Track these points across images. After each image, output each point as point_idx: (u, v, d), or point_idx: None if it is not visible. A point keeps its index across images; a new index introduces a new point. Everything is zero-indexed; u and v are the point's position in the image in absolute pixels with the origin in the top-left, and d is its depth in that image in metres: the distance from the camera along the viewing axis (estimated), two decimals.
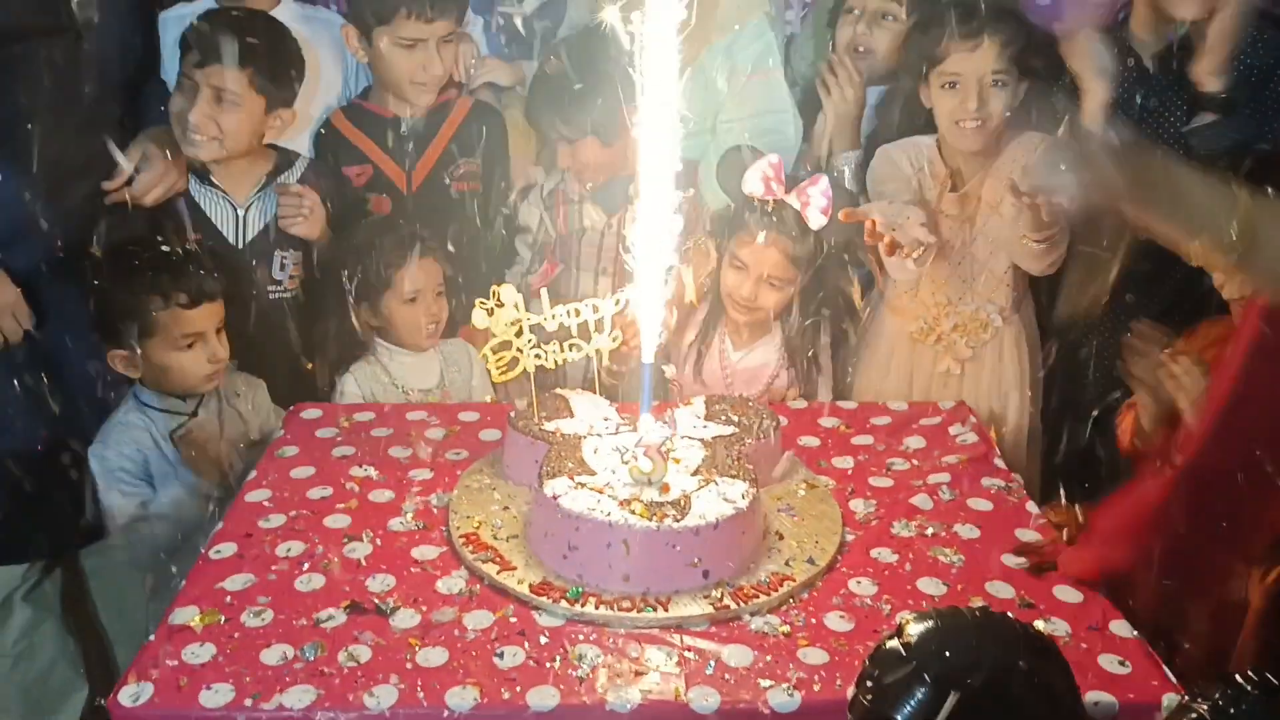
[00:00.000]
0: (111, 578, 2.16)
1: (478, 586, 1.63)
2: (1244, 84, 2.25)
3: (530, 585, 1.60)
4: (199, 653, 1.49)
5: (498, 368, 1.88)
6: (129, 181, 2.28)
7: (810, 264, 2.26)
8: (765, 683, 1.44)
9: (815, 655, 1.49)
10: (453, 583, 1.64)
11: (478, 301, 1.84)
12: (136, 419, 2.10)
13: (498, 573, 1.63)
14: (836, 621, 1.57)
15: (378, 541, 1.75)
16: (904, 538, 1.78)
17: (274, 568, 1.68)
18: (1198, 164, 1.60)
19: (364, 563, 1.69)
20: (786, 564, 1.66)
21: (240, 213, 2.42)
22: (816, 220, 2.20)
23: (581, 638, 1.52)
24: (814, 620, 1.57)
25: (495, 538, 1.72)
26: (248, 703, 1.40)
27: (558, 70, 2.42)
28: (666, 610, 1.55)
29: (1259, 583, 1.99)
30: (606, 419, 1.88)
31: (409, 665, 1.46)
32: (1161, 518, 1.54)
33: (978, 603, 1.60)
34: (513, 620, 1.56)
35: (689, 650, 1.50)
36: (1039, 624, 1.53)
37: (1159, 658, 1.51)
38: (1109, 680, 1.46)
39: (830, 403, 2.31)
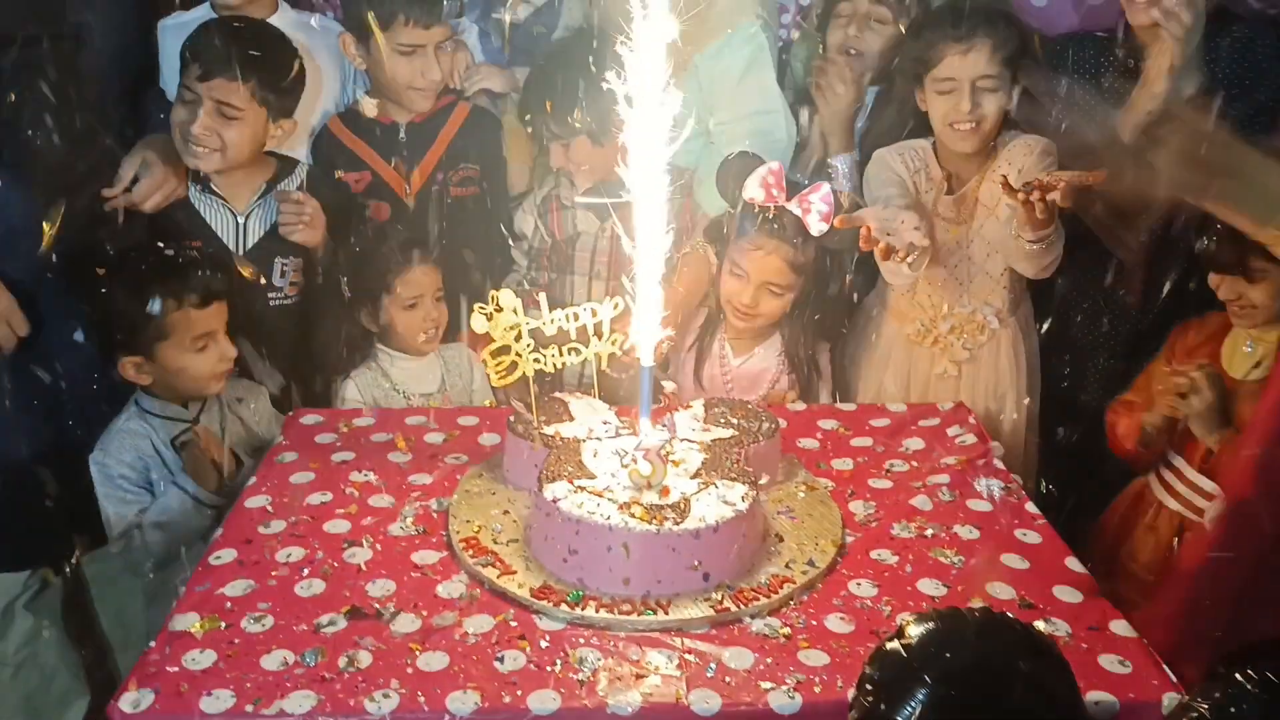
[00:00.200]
0: (112, 585, 2.16)
1: (478, 591, 1.63)
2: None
3: (531, 589, 1.60)
4: (199, 659, 1.49)
5: (497, 372, 1.88)
6: (129, 188, 2.29)
7: (811, 271, 2.26)
8: (766, 685, 1.44)
9: (816, 657, 1.49)
10: (453, 587, 1.64)
11: (476, 306, 1.84)
12: (137, 426, 2.10)
13: (498, 577, 1.63)
14: (837, 623, 1.57)
15: (378, 546, 1.75)
16: (904, 539, 1.78)
17: (274, 573, 1.68)
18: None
19: (364, 568, 1.69)
20: (786, 566, 1.67)
21: (240, 220, 2.42)
22: (818, 227, 2.19)
23: (582, 641, 1.52)
24: (814, 622, 1.57)
25: (495, 542, 1.72)
26: (249, 709, 1.40)
27: (549, 70, 2.43)
28: (667, 613, 1.55)
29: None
30: (606, 422, 1.89)
31: (409, 670, 1.46)
32: None
33: (978, 604, 1.60)
34: (513, 624, 1.56)
35: (690, 653, 1.50)
36: (1039, 624, 1.53)
37: (1159, 658, 1.51)
38: (1110, 680, 1.46)
39: (829, 404, 2.31)
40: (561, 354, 1.91)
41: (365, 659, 1.48)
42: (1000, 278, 2.37)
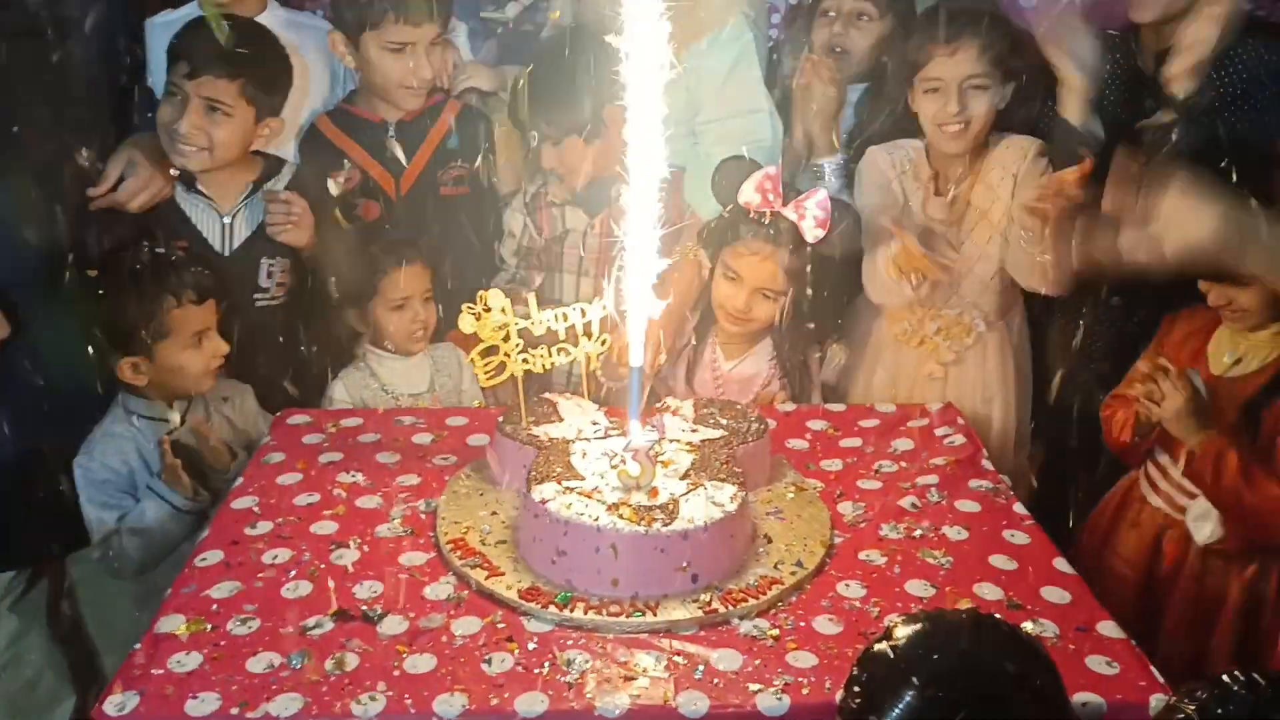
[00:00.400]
0: (98, 586, 2.15)
1: (466, 592, 1.63)
2: (1218, 93, 2.25)
3: (519, 591, 1.60)
4: (185, 661, 1.48)
5: (485, 372, 1.88)
6: (114, 188, 2.27)
7: (804, 276, 2.25)
8: (754, 686, 1.44)
9: (804, 659, 1.49)
10: (440, 589, 1.63)
11: (464, 306, 1.83)
12: (123, 430, 2.08)
13: (486, 578, 1.63)
14: (825, 624, 1.57)
15: (365, 548, 1.74)
16: (892, 540, 1.78)
17: (260, 575, 1.67)
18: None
19: (351, 569, 1.68)
20: (775, 567, 1.66)
21: (226, 221, 2.41)
22: (813, 233, 2.19)
23: (570, 643, 1.52)
24: (803, 623, 1.57)
25: (483, 543, 1.71)
26: (234, 711, 1.39)
27: (539, 70, 2.42)
28: (655, 614, 1.55)
29: (1237, 577, 2.02)
30: (595, 423, 1.88)
31: (396, 672, 1.46)
32: None
33: (966, 604, 1.60)
34: (501, 626, 1.55)
35: (678, 654, 1.50)
36: (1027, 625, 1.54)
37: (1146, 658, 1.51)
38: (1097, 681, 1.46)
39: (818, 405, 2.31)
40: (550, 354, 1.91)
41: (352, 661, 1.48)
42: (990, 282, 2.37)
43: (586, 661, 1.48)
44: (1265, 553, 2.00)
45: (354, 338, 2.43)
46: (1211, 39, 2.18)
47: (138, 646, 1.52)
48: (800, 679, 1.46)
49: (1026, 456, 2.52)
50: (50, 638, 2.17)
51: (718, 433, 1.86)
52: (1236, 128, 2.23)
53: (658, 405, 1.94)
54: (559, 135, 2.41)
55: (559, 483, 1.67)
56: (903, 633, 1.18)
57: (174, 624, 1.55)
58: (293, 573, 1.67)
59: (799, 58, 2.65)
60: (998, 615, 1.46)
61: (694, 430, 1.87)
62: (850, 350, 2.50)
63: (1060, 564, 1.73)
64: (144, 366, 2.07)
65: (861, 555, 1.73)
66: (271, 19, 2.57)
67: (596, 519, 1.58)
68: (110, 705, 1.41)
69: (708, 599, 1.58)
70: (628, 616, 1.54)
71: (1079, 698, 1.42)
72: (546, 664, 1.48)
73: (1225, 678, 1.15)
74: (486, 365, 1.88)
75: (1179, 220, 1.47)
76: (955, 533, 1.80)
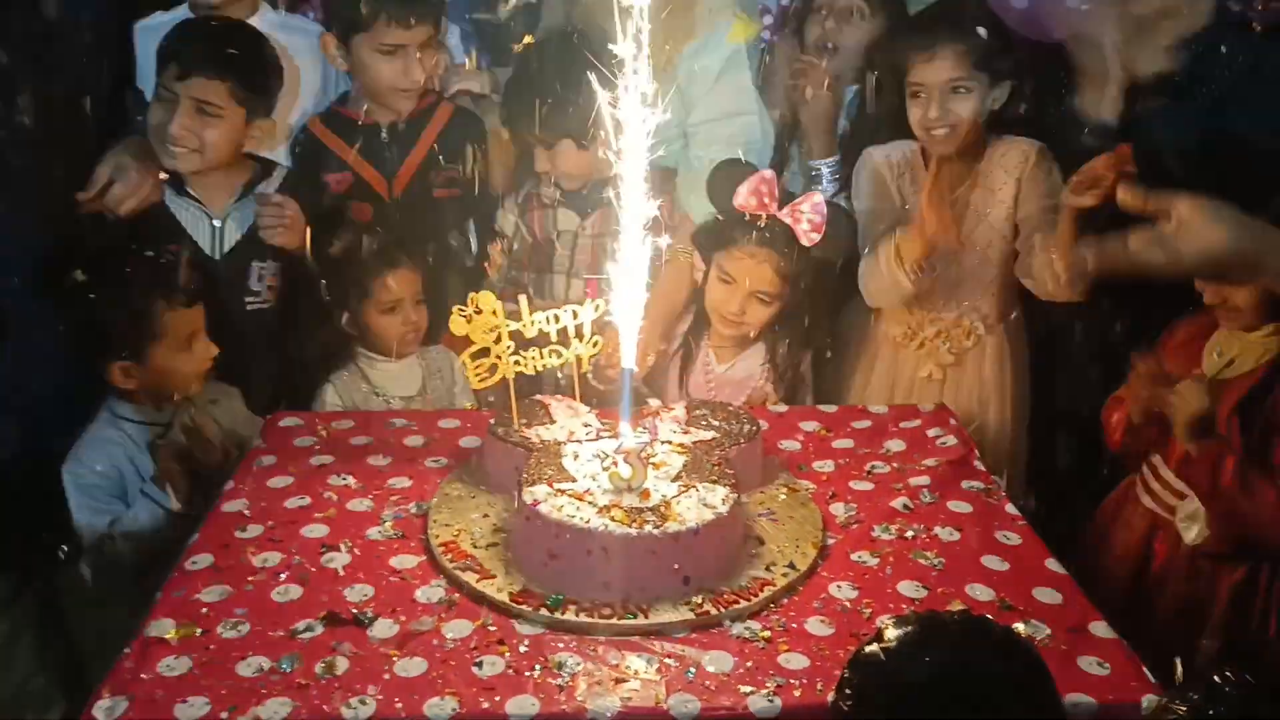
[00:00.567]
0: (89, 590, 2.14)
1: (457, 595, 1.62)
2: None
3: (510, 594, 1.59)
4: (175, 665, 1.47)
5: (477, 375, 1.88)
6: (103, 193, 2.26)
7: (799, 280, 2.25)
8: (746, 689, 1.43)
9: (796, 660, 1.49)
10: (432, 592, 1.63)
11: (455, 309, 1.83)
12: (112, 434, 2.07)
13: (477, 581, 1.62)
14: (817, 626, 1.56)
15: (356, 551, 1.73)
16: (884, 541, 1.78)
17: (251, 579, 1.66)
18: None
19: (342, 573, 1.68)
20: (767, 569, 1.66)
21: (217, 224, 2.40)
22: (808, 237, 2.19)
23: (561, 646, 1.51)
24: (795, 625, 1.56)
25: (475, 546, 1.71)
26: (224, 716, 1.38)
27: (533, 74, 2.42)
28: (647, 617, 1.54)
29: (1227, 578, 2.02)
30: (587, 425, 1.88)
31: (387, 676, 1.45)
32: None
33: (958, 605, 1.60)
34: (492, 629, 1.54)
35: (669, 657, 1.49)
36: (1019, 626, 1.53)
37: (1138, 658, 1.51)
38: (1089, 682, 1.46)
39: (811, 406, 2.31)
40: (542, 356, 1.90)
41: (342, 665, 1.47)
42: (990, 284, 2.38)
43: (578, 664, 1.47)
44: (1255, 554, 2.00)
45: (345, 341, 2.42)
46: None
47: (127, 651, 1.51)
48: (792, 681, 1.45)
49: (1026, 459, 2.52)
50: (40, 641, 2.16)
51: (710, 434, 1.86)
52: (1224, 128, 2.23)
53: (641, 408, 1.94)
54: (553, 139, 2.41)
55: (550, 485, 1.66)
56: (894, 634, 1.18)
57: (163, 628, 1.54)
58: (283, 576, 1.67)
59: (791, 59, 2.66)
60: (989, 616, 1.47)
61: (686, 432, 1.86)
62: (848, 353, 2.50)
63: (1052, 565, 1.73)
64: (135, 370, 2.06)
65: (853, 556, 1.73)
66: (263, 22, 2.57)
67: (588, 521, 1.57)
68: (99, 710, 1.40)
69: (699, 601, 1.57)
70: (619, 619, 1.54)
71: (1071, 698, 1.41)
72: (538, 667, 1.47)
73: (1216, 678, 1.15)
74: (478, 367, 1.88)
75: (1196, 222, 1.46)
76: (947, 534, 1.80)
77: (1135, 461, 2.20)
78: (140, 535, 1.99)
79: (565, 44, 2.40)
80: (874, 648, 1.18)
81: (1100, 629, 1.57)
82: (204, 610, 1.58)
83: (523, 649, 1.51)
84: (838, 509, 1.86)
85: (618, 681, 1.44)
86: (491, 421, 1.90)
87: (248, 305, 2.41)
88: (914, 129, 2.32)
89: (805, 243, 2.19)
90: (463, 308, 1.84)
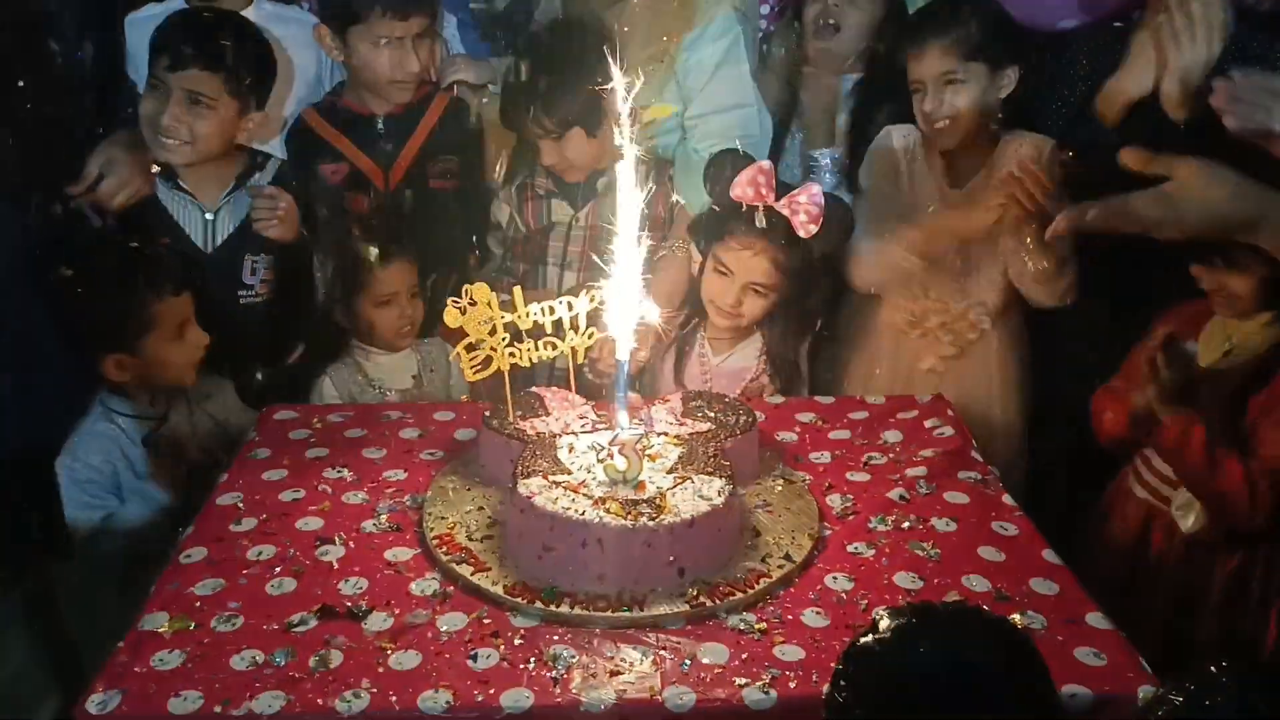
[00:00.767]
0: (82, 584, 2.13)
1: (451, 588, 1.61)
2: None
3: (505, 586, 1.58)
4: (168, 659, 1.47)
5: (471, 367, 1.87)
6: (93, 187, 2.25)
7: (796, 272, 2.24)
8: (741, 680, 1.43)
9: (792, 652, 1.48)
10: (426, 585, 1.62)
11: (449, 301, 1.82)
12: (105, 428, 2.06)
13: (472, 574, 1.62)
14: (813, 618, 1.56)
15: (351, 544, 1.73)
16: (881, 532, 1.77)
17: (245, 572, 1.66)
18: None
19: (336, 566, 1.67)
20: (763, 561, 1.65)
21: (209, 217, 2.39)
22: (805, 229, 2.17)
23: (556, 638, 1.51)
24: (790, 617, 1.56)
25: (469, 539, 1.70)
26: (217, 710, 1.38)
27: (535, 65, 2.40)
28: (642, 609, 1.54)
29: (1222, 568, 2.01)
30: (582, 417, 1.87)
31: (381, 669, 1.45)
32: None
33: (954, 596, 1.60)
34: (486, 622, 1.54)
35: (665, 649, 1.49)
36: (1015, 617, 1.53)
37: (1135, 649, 1.51)
38: (1085, 672, 1.45)
39: (807, 398, 2.30)
40: (537, 348, 1.89)
41: (336, 658, 1.46)
42: (997, 279, 2.37)
43: (573, 656, 1.47)
44: (1249, 544, 2.00)
45: (341, 334, 2.42)
46: (1212, 59, 2.13)
47: (120, 644, 1.50)
48: (787, 672, 1.45)
49: (1027, 452, 2.51)
50: (33, 635, 2.15)
51: (706, 426, 1.85)
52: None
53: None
54: (562, 129, 2.38)
55: (545, 477, 1.66)
56: (889, 626, 1.17)
57: (157, 622, 1.54)
58: (277, 569, 1.66)
59: (789, 48, 2.65)
60: (985, 607, 1.46)
61: (682, 423, 1.86)
62: (848, 343, 2.50)
63: (1049, 555, 1.72)
64: (128, 363, 2.05)
65: (850, 548, 1.73)
66: (257, 13, 2.56)
67: (583, 513, 1.57)
68: (92, 704, 1.39)
69: (695, 593, 1.57)
70: (614, 611, 1.53)
71: (1067, 689, 1.41)
72: (532, 659, 1.46)
73: (1213, 669, 1.14)
74: (472, 360, 1.87)
75: (1198, 182, 1.46)
76: (944, 524, 1.79)
77: (1125, 452, 2.19)
78: (133, 530, 1.98)
79: (568, 32, 2.39)
80: (869, 639, 1.17)
81: (1097, 620, 1.56)
82: (197, 604, 1.58)
83: (517, 642, 1.50)
84: (834, 500, 1.86)
85: (613, 674, 1.44)
86: (486, 414, 1.89)
87: (241, 299, 2.40)
88: (920, 124, 2.33)
89: (802, 234, 2.18)
90: (457, 299, 1.83)
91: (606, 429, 1.79)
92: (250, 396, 2.30)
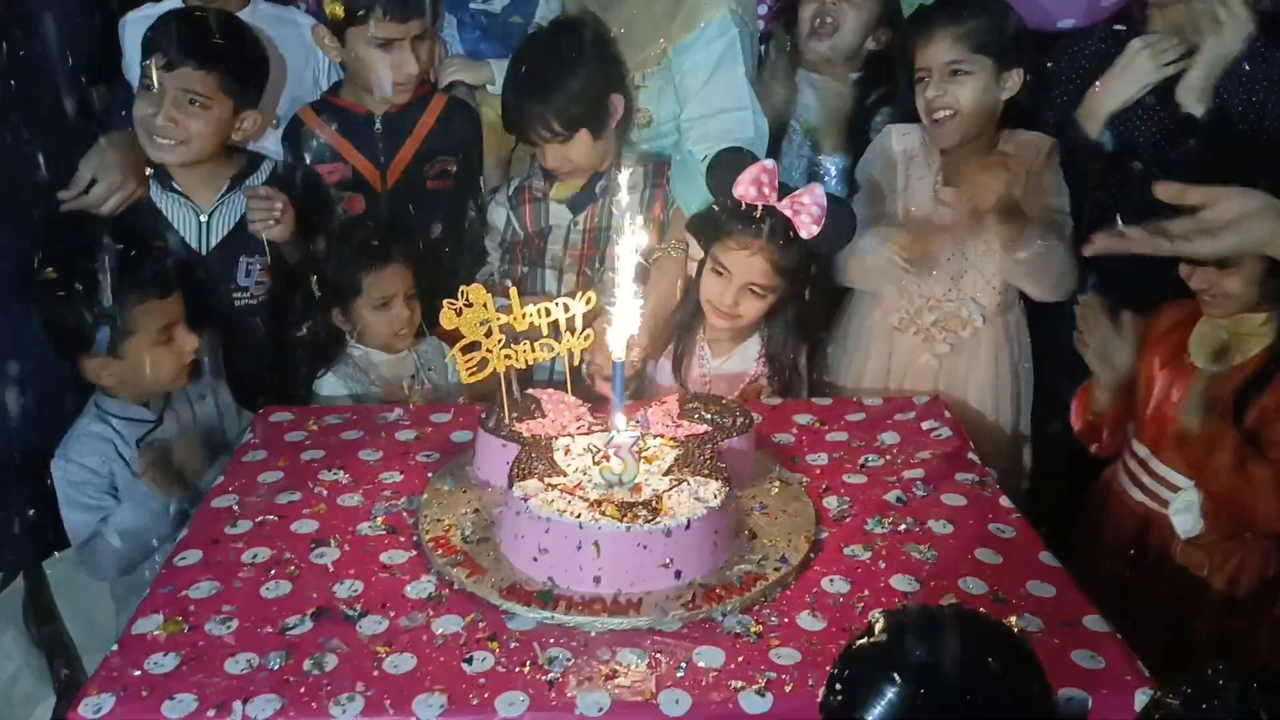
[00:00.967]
0: (77, 587, 2.13)
1: (447, 591, 1.61)
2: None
3: (500, 589, 1.58)
4: (162, 663, 1.46)
5: (467, 369, 1.86)
6: (86, 191, 2.24)
7: (795, 273, 2.23)
8: (737, 684, 1.42)
9: (788, 655, 1.48)
10: (422, 587, 1.62)
11: (445, 302, 1.81)
12: (100, 429, 2.05)
13: (467, 577, 1.61)
14: (809, 620, 1.55)
15: (346, 546, 1.72)
16: (877, 534, 1.77)
17: (240, 575, 1.65)
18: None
19: (331, 568, 1.67)
20: (759, 563, 1.65)
21: (203, 218, 2.38)
22: (808, 230, 2.16)
23: (552, 641, 1.50)
24: (786, 620, 1.55)
25: (465, 541, 1.70)
26: (210, 713, 1.37)
27: (538, 66, 2.39)
28: (638, 612, 1.53)
29: (1220, 569, 2.01)
30: (578, 419, 1.86)
31: (376, 673, 1.44)
32: None
33: (951, 599, 1.59)
34: (482, 625, 1.53)
35: (660, 652, 1.48)
36: (1011, 620, 1.52)
37: (1132, 652, 1.50)
38: (1082, 676, 1.45)
39: (804, 399, 2.30)
40: (533, 350, 1.89)
41: (331, 661, 1.46)
42: (992, 277, 2.36)
43: (568, 659, 1.46)
44: (1247, 546, 2.00)
45: (338, 335, 2.41)
46: (1234, 53, 2.13)
47: (115, 648, 1.50)
48: (784, 676, 1.44)
49: (1025, 452, 2.51)
50: (27, 638, 2.15)
51: (702, 428, 1.85)
52: (1259, 136, 2.21)
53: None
54: (571, 131, 2.37)
55: (541, 479, 1.65)
56: (885, 628, 1.17)
57: (151, 624, 1.53)
58: (272, 572, 1.65)
59: (786, 50, 2.64)
60: (982, 610, 1.46)
61: (678, 425, 1.85)
62: (845, 341, 2.49)
63: (1046, 557, 1.71)
64: (113, 366, 2.03)
65: (846, 550, 1.72)
66: (256, 13, 2.56)
67: (579, 516, 1.56)
68: (86, 708, 1.39)
69: (691, 596, 1.56)
70: (610, 614, 1.53)
71: (1064, 692, 1.40)
72: (528, 663, 1.46)
73: (1211, 671, 1.14)
74: (468, 361, 1.86)
75: (1235, 208, 1.49)
76: (941, 526, 1.79)
77: (1107, 450, 2.19)
78: (129, 532, 1.97)
79: (572, 33, 2.38)
80: (865, 642, 1.16)
81: (1094, 622, 1.56)
82: (191, 607, 1.57)
83: (513, 645, 1.49)
84: (831, 502, 1.85)
85: (608, 677, 1.43)
86: (482, 415, 1.89)
87: (235, 300, 2.40)
88: (921, 118, 2.32)
89: (805, 235, 2.16)
90: (453, 301, 1.82)
91: (603, 431, 1.79)
92: (246, 398, 2.29)
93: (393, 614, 1.55)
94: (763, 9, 2.90)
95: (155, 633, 1.52)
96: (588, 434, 1.80)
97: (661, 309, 2.35)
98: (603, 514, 1.56)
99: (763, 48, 2.77)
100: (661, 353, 2.37)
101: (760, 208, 2.16)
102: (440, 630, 1.52)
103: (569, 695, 1.40)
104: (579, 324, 1.86)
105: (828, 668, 1.18)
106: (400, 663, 1.46)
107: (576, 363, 1.93)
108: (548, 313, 1.86)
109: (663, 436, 1.79)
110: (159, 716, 1.37)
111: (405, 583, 1.63)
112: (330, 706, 1.38)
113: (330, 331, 2.39)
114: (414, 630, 1.52)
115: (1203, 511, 1.96)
